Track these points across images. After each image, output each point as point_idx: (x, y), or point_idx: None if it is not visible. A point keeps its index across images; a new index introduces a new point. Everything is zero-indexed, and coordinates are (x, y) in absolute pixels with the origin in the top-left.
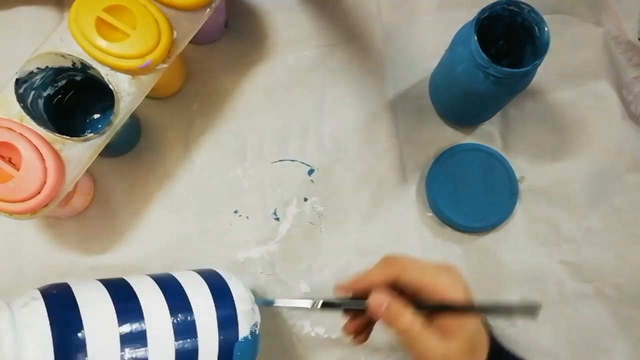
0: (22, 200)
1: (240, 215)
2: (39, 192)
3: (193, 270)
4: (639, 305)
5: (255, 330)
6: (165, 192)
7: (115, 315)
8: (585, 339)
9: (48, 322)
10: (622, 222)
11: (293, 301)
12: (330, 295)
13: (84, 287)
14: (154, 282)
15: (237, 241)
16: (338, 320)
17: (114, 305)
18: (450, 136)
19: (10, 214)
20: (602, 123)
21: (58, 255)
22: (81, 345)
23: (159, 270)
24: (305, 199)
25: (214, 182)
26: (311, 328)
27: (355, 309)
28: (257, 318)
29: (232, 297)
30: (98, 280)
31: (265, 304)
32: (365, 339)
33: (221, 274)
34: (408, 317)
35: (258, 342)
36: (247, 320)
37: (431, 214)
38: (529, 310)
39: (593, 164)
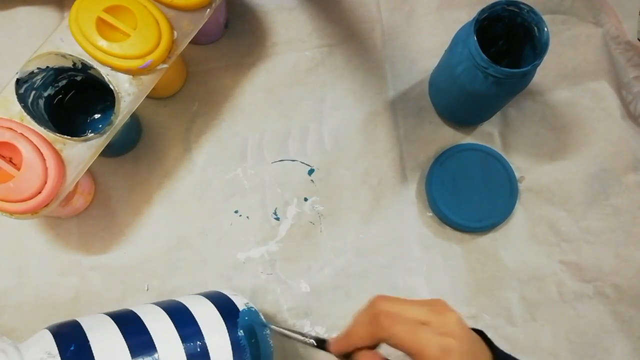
0: (23, 200)
1: (241, 215)
2: (39, 192)
3: (199, 294)
4: (639, 305)
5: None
6: (165, 192)
7: (129, 356)
8: (585, 339)
9: None
10: (622, 222)
11: (288, 331)
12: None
13: (98, 332)
14: (163, 311)
15: (237, 241)
16: (338, 319)
17: (127, 345)
18: (450, 136)
19: (11, 214)
20: (602, 123)
21: (59, 255)
22: None
23: (160, 270)
24: (305, 199)
25: (214, 182)
26: (311, 328)
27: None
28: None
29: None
30: (108, 315)
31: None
32: None
33: (227, 294)
34: None
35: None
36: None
37: (431, 214)
38: None
39: (592, 164)
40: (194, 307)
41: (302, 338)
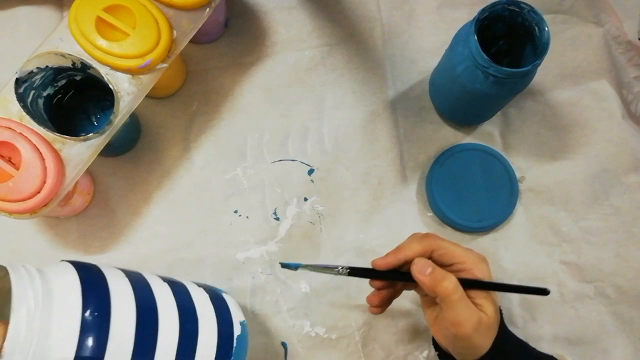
0: (22, 200)
1: (240, 215)
2: (38, 192)
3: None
4: (639, 306)
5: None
6: (165, 191)
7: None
8: (585, 339)
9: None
10: (622, 222)
11: (320, 265)
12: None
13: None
14: (160, 278)
15: (237, 241)
16: (338, 320)
17: (132, 289)
18: (450, 136)
19: (10, 213)
20: (602, 123)
21: (58, 255)
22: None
23: (159, 270)
24: (305, 199)
25: (214, 182)
26: (311, 328)
27: (391, 278)
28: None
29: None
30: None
31: (290, 267)
32: (383, 310)
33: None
34: (452, 282)
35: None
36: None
37: (431, 214)
38: (541, 291)
39: (593, 164)
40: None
41: (334, 270)
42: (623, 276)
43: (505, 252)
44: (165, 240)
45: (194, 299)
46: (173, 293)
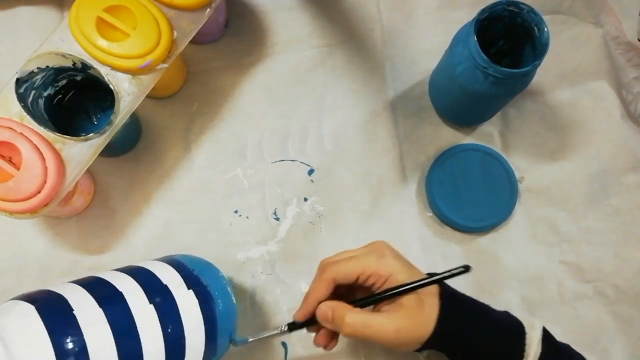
0: (22, 200)
1: (240, 215)
2: (39, 192)
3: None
4: (638, 306)
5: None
6: (165, 192)
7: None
8: (584, 339)
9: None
10: (621, 222)
11: (264, 333)
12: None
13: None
14: (124, 273)
15: (237, 241)
16: None
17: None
18: (450, 136)
19: (10, 213)
20: (602, 123)
21: (58, 254)
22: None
23: None
24: (305, 199)
25: (214, 182)
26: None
27: (314, 325)
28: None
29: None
30: (73, 283)
31: (239, 344)
32: (335, 344)
33: (175, 256)
34: (350, 317)
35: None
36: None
37: (431, 214)
38: (462, 270)
39: (593, 164)
40: (150, 265)
41: (276, 332)
42: (622, 276)
43: (505, 252)
44: (165, 240)
45: (182, 317)
46: (159, 317)
